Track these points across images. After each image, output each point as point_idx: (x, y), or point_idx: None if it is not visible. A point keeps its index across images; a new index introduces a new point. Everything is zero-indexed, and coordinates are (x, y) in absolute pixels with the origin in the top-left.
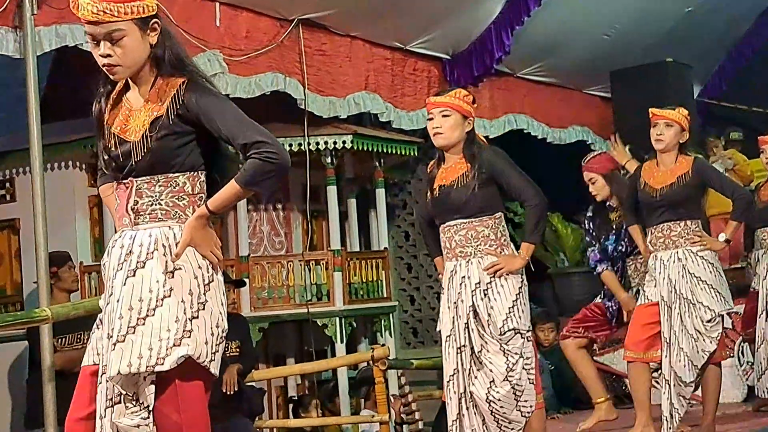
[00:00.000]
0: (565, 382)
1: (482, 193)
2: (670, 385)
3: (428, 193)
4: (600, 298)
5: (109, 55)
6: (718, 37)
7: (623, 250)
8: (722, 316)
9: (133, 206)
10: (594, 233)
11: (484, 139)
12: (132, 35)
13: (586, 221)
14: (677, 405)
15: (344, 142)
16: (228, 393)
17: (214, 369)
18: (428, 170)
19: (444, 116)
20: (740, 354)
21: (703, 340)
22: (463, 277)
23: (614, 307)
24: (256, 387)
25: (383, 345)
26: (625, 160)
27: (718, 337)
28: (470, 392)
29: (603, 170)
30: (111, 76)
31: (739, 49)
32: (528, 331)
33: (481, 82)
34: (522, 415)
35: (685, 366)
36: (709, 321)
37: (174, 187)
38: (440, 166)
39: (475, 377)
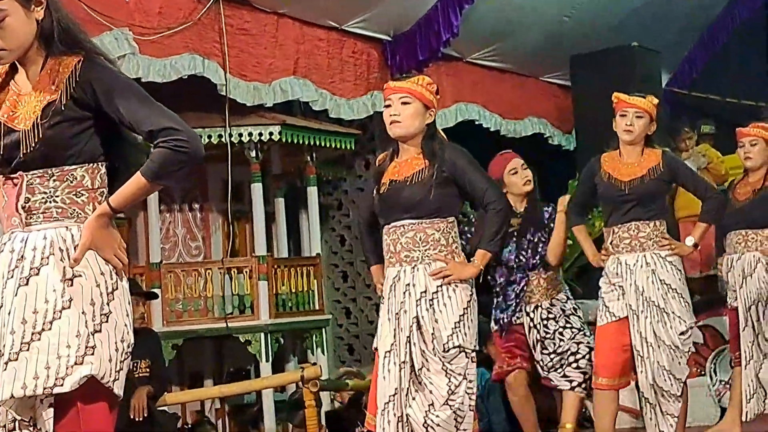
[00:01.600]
0: None
1: (439, 194)
2: (653, 405)
3: (375, 188)
4: (501, 315)
5: None
6: (688, 21)
7: (524, 261)
8: (692, 329)
9: (23, 204)
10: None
11: (443, 134)
12: (15, 14)
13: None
14: (665, 427)
15: (271, 134)
16: (136, 419)
17: (118, 389)
18: (377, 163)
19: (404, 103)
20: (712, 372)
21: (678, 354)
22: (408, 284)
23: (506, 320)
24: (168, 412)
25: (315, 364)
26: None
27: (689, 353)
28: (406, 415)
29: (497, 174)
30: None
31: (711, 33)
32: (473, 350)
33: (426, 67)
34: None
35: (666, 379)
36: (682, 333)
37: (71, 182)
38: (393, 159)
39: (413, 398)
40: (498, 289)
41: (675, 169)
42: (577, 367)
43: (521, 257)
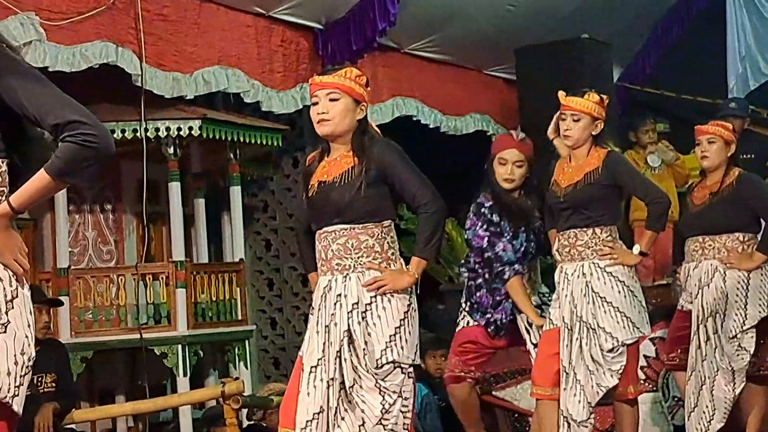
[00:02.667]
0: (458, 423)
1: (369, 195)
2: (567, 424)
3: (304, 191)
4: (468, 316)
5: None
6: (641, 12)
7: (533, 252)
8: (626, 346)
9: None
10: (503, 224)
11: (378, 130)
12: None
13: (484, 210)
14: None
15: (191, 129)
16: None
17: (17, 406)
18: (306, 163)
19: (332, 100)
20: (665, 387)
21: (602, 373)
22: (339, 294)
23: (504, 320)
24: (76, 430)
25: (237, 378)
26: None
27: (620, 371)
28: None
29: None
30: None
31: (665, 25)
32: (411, 366)
33: (360, 59)
34: None
35: (579, 402)
36: (610, 351)
37: None
38: (323, 158)
39: (342, 419)
40: (484, 286)
41: (614, 171)
42: None
43: (531, 248)
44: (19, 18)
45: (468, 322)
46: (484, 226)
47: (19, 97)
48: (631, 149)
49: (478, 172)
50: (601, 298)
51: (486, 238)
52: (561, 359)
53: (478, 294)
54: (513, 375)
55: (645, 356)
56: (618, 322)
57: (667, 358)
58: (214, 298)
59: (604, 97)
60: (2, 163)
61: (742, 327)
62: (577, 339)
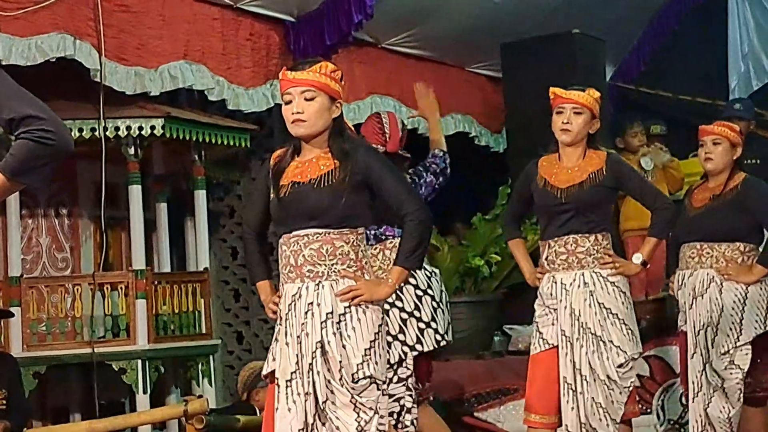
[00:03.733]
0: None
1: (350, 200)
2: None
3: (272, 192)
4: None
5: None
6: (636, 5)
7: None
8: (634, 360)
9: None
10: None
11: (354, 129)
12: None
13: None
14: None
15: (153, 128)
16: None
17: None
18: (272, 161)
19: (307, 99)
20: (660, 409)
21: (615, 389)
22: (311, 303)
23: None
24: None
25: (200, 396)
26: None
27: (630, 388)
28: None
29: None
30: None
31: (661, 20)
32: (386, 382)
33: (335, 54)
34: None
35: (601, 419)
36: (621, 366)
37: None
38: (294, 157)
39: None
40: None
41: (619, 174)
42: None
43: None
44: None
45: None
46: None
47: None
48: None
49: (459, 176)
50: (606, 309)
51: None
52: (564, 376)
53: None
54: (496, 395)
55: (639, 376)
56: (625, 335)
57: (684, 390)
58: (176, 310)
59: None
60: None
61: (735, 343)
62: (585, 354)
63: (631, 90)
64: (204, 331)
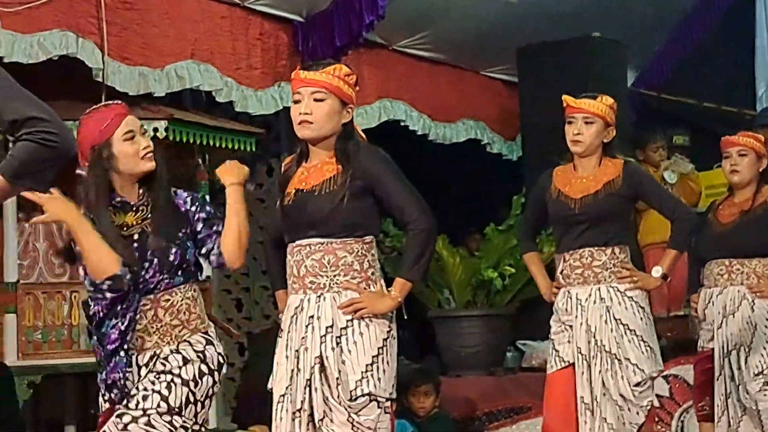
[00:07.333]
0: None
1: (352, 207)
2: None
3: (279, 200)
4: None
5: None
6: (660, 8)
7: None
8: (653, 379)
9: None
10: None
11: (363, 135)
12: None
13: None
14: None
15: (156, 130)
16: None
17: None
18: (282, 168)
19: (317, 100)
20: (679, 430)
21: (629, 409)
22: (312, 316)
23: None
24: None
25: None
26: None
27: (648, 408)
28: None
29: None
30: None
31: (687, 24)
32: (389, 399)
33: (344, 56)
34: None
35: None
36: (637, 385)
37: None
38: (301, 163)
39: None
40: None
41: (637, 182)
42: None
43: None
44: None
45: None
46: None
47: None
48: None
49: (470, 185)
50: (623, 325)
51: None
52: (581, 396)
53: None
54: (508, 413)
55: (658, 396)
56: (643, 353)
57: (697, 408)
58: None
59: (615, 103)
60: None
61: None
62: (599, 372)
63: (653, 97)
64: None
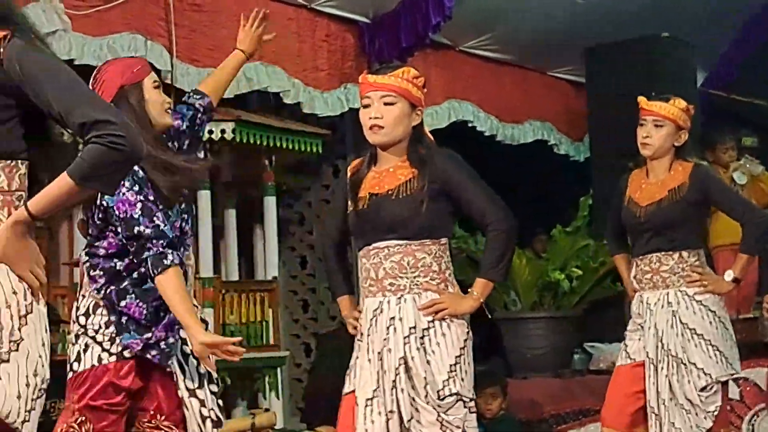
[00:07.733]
0: None
1: (430, 210)
2: None
3: (349, 204)
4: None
5: None
6: (728, 6)
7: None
8: (722, 384)
9: None
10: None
11: (431, 137)
12: None
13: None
14: None
15: (223, 132)
16: None
17: None
18: (350, 172)
19: (387, 104)
20: None
21: (696, 413)
22: (393, 318)
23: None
24: None
25: (267, 410)
26: None
27: (716, 412)
28: None
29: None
30: None
31: (756, 22)
32: (472, 399)
33: (411, 57)
34: None
35: None
36: (703, 390)
37: None
38: (370, 167)
39: None
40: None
41: (706, 187)
42: None
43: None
44: (41, 5)
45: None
46: (136, 187)
47: (45, 92)
48: None
49: (537, 186)
50: (690, 329)
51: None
52: (648, 400)
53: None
54: (576, 416)
55: (729, 399)
56: (711, 357)
57: None
58: (243, 320)
59: (691, 106)
60: (22, 165)
61: None
62: (666, 376)
63: (722, 97)
64: (272, 342)
